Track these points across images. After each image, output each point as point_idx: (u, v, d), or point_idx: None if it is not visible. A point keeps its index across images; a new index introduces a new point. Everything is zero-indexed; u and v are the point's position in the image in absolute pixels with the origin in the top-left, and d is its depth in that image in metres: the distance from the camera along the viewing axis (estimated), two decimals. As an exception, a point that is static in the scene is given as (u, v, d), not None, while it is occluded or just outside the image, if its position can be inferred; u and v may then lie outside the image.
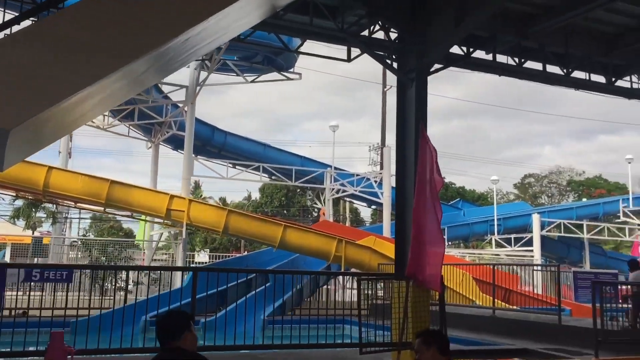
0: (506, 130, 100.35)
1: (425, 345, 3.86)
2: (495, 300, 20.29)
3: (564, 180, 63.72)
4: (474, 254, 31.26)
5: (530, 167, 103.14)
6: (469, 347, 11.06)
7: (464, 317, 14.77)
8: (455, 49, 10.48)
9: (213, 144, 28.17)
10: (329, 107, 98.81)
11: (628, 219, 33.59)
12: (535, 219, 28.20)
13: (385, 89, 47.81)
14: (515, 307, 18.01)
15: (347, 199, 34.84)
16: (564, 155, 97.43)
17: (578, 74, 11.48)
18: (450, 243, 31.46)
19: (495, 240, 31.32)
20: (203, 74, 23.04)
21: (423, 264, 7.83)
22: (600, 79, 11.72)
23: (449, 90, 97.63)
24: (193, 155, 23.89)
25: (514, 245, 29.74)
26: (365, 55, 10.70)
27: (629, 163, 33.61)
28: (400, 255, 9.00)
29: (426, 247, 7.82)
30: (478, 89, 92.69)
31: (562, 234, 32.77)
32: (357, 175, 27.72)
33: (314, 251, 19.73)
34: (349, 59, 11.57)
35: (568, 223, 30.49)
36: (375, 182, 25.81)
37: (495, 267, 16.53)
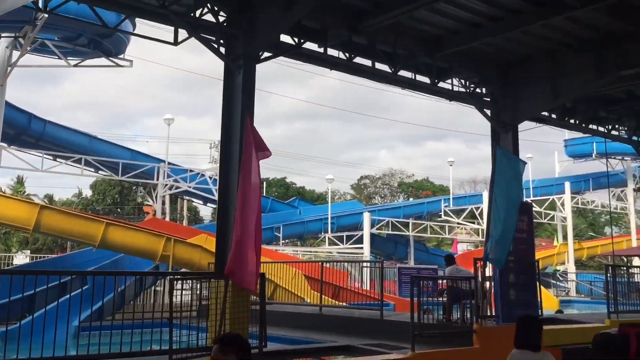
0: (347, 134, 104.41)
1: (222, 353, 3.41)
2: (325, 297, 20.55)
3: (395, 182, 67.63)
4: (310, 252, 31.67)
5: (367, 169, 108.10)
6: (293, 347, 10.73)
7: (292, 316, 14.54)
8: (287, 39, 10.11)
9: (30, 133, 25.33)
10: (174, 104, 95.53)
11: (449, 218, 36.22)
12: (366, 217, 29.20)
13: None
14: (343, 303, 18.29)
15: (186, 197, 33.49)
16: (397, 159, 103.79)
17: (405, 74, 11.73)
18: (286, 241, 31.62)
19: (328, 237, 32.00)
20: (17, 54, 20.53)
21: (242, 263, 7.27)
22: (425, 79, 12.10)
23: (293, 92, 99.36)
24: (3, 144, 21.23)
25: (346, 243, 30.60)
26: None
27: (450, 165, 36.24)
28: (220, 253, 8.37)
29: (246, 245, 7.27)
30: (321, 93, 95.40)
31: (391, 232, 34.42)
32: (191, 170, 26.59)
33: (140, 250, 18.41)
34: (175, 42, 10.68)
35: (395, 221, 32.07)
36: (211, 178, 24.93)
37: (324, 264, 16.61)
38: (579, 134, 41.38)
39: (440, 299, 11.26)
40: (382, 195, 67.31)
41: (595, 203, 45.28)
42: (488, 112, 12.51)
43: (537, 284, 11.40)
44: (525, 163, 11.04)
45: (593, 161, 42.76)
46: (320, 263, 14.81)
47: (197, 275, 9.48)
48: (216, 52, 9.33)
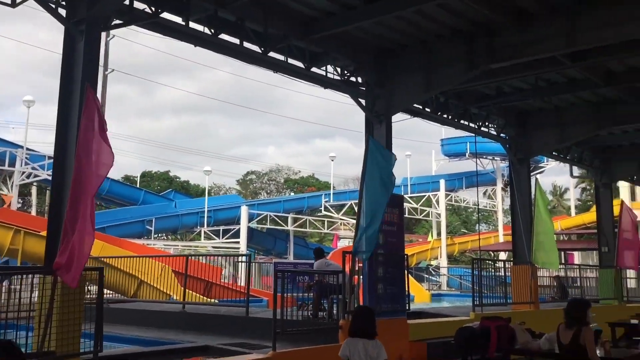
0: (236, 129, 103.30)
1: None
2: (194, 293, 19.50)
3: (282, 178, 67.49)
4: (185, 246, 30.29)
5: (255, 165, 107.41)
6: (148, 348, 9.72)
7: (154, 314, 13.45)
8: (141, 6, 9.07)
9: None
10: (49, 90, 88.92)
11: (329, 213, 36.28)
12: (243, 211, 28.38)
13: (106, 72, 44.46)
14: (214, 300, 17.42)
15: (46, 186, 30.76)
16: (286, 156, 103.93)
17: (278, 56, 11.08)
18: (158, 235, 30.02)
19: (205, 232, 30.82)
20: None
21: (72, 255, 6.24)
22: (298, 64, 11.52)
23: (182, 84, 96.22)
24: None
25: (223, 237, 29.60)
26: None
27: (332, 160, 36.32)
28: (51, 245, 7.24)
29: (76, 235, 6.26)
30: (211, 87, 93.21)
31: (270, 226, 33.85)
32: (50, 157, 24.27)
33: (-18, 243, 16.40)
34: (12, 4, 9.24)
35: (275, 215, 31.53)
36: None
37: (196, 259, 15.68)
38: (456, 134, 43.24)
39: (309, 294, 10.77)
40: (268, 191, 66.92)
41: (467, 201, 47.52)
42: (363, 102, 12.17)
43: (406, 277, 11.21)
44: (395, 156, 10.82)
45: (467, 160, 44.77)
46: (185, 257, 13.78)
47: (21, 270, 8.19)
48: (54, 14, 8.12)
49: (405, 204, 42.86)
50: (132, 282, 17.47)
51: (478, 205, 28.65)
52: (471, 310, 12.91)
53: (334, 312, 10.09)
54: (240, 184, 68.06)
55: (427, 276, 40.24)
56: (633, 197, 35.34)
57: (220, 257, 19.73)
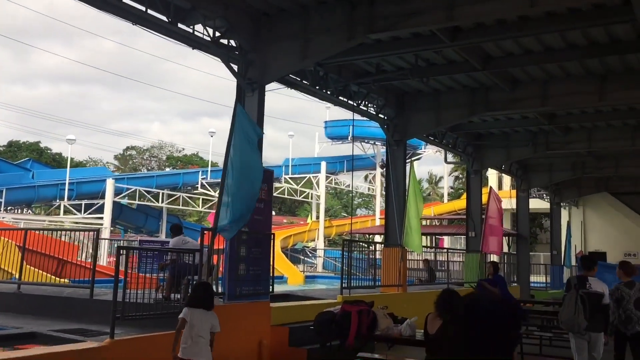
0: (119, 102, 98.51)
1: None
2: (44, 273, 17.70)
3: (164, 155, 64.93)
4: (42, 220, 27.71)
5: (138, 141, 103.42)
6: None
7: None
8: None
9: None
10: None
11: (206, 191, 34.94)
12: (109, 184, 26.35)
13: None
14: (66, 280, 15.82)
15: None
16: (171, 134, 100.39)
17: (136, 5, 9.82)
18: (10, 209, 27.19)
19: (64, 205, 28.36)
20: None
21: None
22: (162, 17, 10.32)
23: (60, 50, 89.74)
24: None
25: (85, 212, 27.39)
26: None
27: (211, 136, 34.94)
28: None
29: None
30: (94, 56, 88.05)
31: (141, 202, 31.96)
32: None
33: None
34: None
35: (144, 190, 29.68)
36: None
37: (42, 233, 13.99)
38: (340, 117, 43.35)
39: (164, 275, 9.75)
40: (149, 168, 64.14)
41: (348, 184, 48.04)
42: (235, 67, 11.21)
43: (272, 258, 10.52)
44: (262, 131, 10.05)
45: (349, 144, 45.13)
46: (23, 230, 12.19)
47: None
48: None
49: (285, 185, 42.49)
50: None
51: (352, 186, 28.64)
52: (339, 293, 12.51)
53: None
54: (119, 159, 65.05)
55: (303, 258, 40.27)
56: (500, 185, 37.29)
57: (77, 233, 17.95)
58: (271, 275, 10.50)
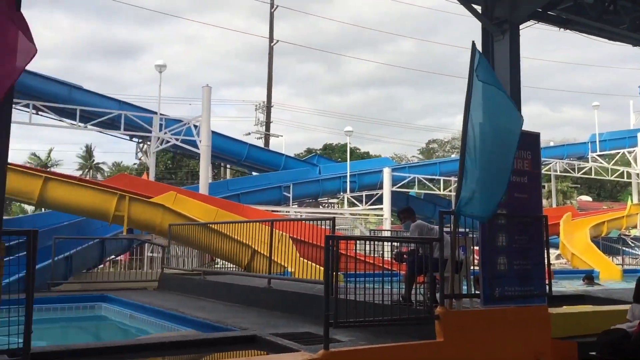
0: (421, 100, 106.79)
1: None
2: (317, 266, 17.64)
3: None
4: (320, 213, 28.70)
5: (440, 134, 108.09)
6: (181, 336, 7.96)
7: (239, 289, 11.86)
8: None
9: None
10: (250, 75, 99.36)
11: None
12: (386, 174, 25.87)
13: (272, 44, 44.86)
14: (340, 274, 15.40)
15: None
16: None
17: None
18: (296, 203, 28.74)
19: (347, 198, 28.95)
20: None
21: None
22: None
23: (367, 57, 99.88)
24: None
25: (366, 204, 27.49)
26: None
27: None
28: None
29: None
30: (395, 59, 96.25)
31: (428, 192, 31.04)
32: (182, 121, 23.83)
33: (88, 210, 16.08)
34: None
35: (423, 178, 28.54)
36: (196, 127, 22.25)
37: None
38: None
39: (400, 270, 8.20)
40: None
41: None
42: (479, 8, 9.07)
43: (545, 249, 8.12)
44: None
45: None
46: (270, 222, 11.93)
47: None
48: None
49: (592, 164, 37.28)
50: (245, 252, 16.10)
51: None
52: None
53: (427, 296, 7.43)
54: (423, 153, 66.88)
55: (622, 248, 34.72)
56: None
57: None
58: (547, 271, 8.10)
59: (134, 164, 51.87)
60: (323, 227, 10.59)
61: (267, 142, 40.90)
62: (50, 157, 57.74)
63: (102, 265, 19.76)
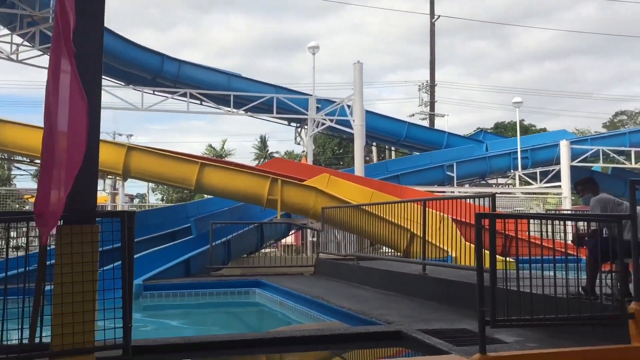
0: (607, 69, 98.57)
1: None
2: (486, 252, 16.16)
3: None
4: (485, 193, 26.60)
5: (629, 105, 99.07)
6: (315, 329, 7.18)
7: (393, 276, 10.91)
8: None
9: (164, 75, 24.70)
10: (412, 58, 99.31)
11: None
12: (564, 147, 23.14)
13: (433, 20, 43.33)
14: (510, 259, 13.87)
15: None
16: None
17: None
18: (463, 181, 26.93)
19: (519, 176, 26.52)
20: None
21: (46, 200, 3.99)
22: None
23: (539, 29, 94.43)
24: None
25: (541, 182, 24.94)
26: None
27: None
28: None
29: (51, 177, 4.00)
30: (574, 26, 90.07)
31: (614, 165, 27.57)
32: (336, 101, 23.29)
33: (242, 194, 16.07)
34: None
35: (610, 150, 25.17)
36: (349, 107, 21.56)
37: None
38: None
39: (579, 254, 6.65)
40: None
41: None
42: None
43: None
44: None
45: None
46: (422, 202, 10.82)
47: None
48: None
49: None
50: (403, 236, 15.12)
51: None
52: None
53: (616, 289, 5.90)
54: (608, 126, 60.99)
55: None
56: None
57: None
58: None
59: (303, 151, 53.17)
60: (484, 206, 9.31)
61: (432, 123, 39.35)
62: (224, 148, 60.99)
63: (266, 250, 20.02)
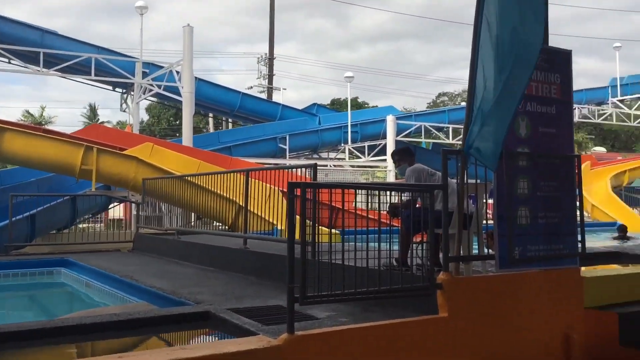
0: (432, 53, 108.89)
1: None
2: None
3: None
4: (317, 165, 27.08)
5: (450, 87, 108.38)
6: (126, 313, 6.49)
7: (215, 251, 10.39)
8: None
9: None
10: (254, 31, 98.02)
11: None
12: (389, 121, 24.09)
13: None
14: (335, 231, 13.87)
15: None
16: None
17: None
18: (296, 154, 27.07)
19: (348, 149, 27.22)
20: None
21: None
22: None
23: (374, 12, 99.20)
24: None
25: (368, 155, 25.81)
26: None
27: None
28: None
29: None
30: (404, 11, 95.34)
31: (435, 141, 29.26)
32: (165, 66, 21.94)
33: (51, 164, 14.55)
34: None
35: (430, 126, 26.69)
36: (178, 73, 20.46)
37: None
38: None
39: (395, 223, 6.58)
40: (462, 114, 63.25)
41: None
42: None
43: (579, 197, 6.52)
44: None
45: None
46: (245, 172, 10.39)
47: None
48: None
49: (613, 110, 35.26)
50: (230, 209, 14.57)
51: None
52: None
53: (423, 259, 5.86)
54: (432, 106, 65.86)
55: (647, 199, 33.12)
56: None
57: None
58: (579, 225, 6.51)
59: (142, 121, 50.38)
60: (306, 177, 9.09)
61: (270, 96, 39.12)
62: (43, 115, 55.95)
63: (83, 225, 18.41)
